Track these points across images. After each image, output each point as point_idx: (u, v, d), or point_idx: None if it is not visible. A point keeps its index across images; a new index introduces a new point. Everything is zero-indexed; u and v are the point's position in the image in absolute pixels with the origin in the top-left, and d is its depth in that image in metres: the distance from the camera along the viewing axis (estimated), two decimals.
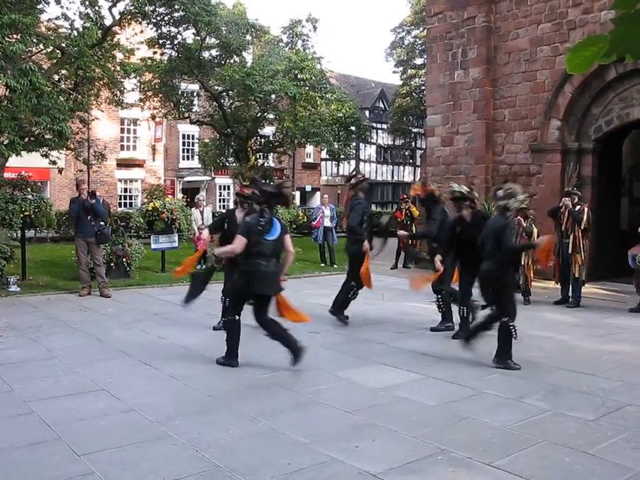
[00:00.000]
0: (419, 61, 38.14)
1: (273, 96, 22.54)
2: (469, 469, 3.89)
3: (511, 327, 6.22)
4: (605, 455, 4.10)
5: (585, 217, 9.90)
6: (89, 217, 10.57)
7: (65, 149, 14.91)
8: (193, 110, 25.50)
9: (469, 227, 7.19)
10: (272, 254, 6.08)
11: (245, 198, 7.40)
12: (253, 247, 5.96)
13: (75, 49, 13.34)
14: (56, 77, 14.79)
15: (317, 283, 13.15)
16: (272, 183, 6.92)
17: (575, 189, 10.58)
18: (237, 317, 6.20)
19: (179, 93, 23.74)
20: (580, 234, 9.98)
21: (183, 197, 25.86)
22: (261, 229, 5.97)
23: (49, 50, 14.39)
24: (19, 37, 11.77)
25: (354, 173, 9.95)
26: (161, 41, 21.87)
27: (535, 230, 10.36)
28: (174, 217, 13.61)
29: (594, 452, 4.14)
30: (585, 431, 4.57)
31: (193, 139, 33.63)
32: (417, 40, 38.08)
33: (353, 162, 42.99)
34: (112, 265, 12.14)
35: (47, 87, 11.57)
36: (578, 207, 10.03)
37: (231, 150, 25.36)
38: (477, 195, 7.61)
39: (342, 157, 26.89)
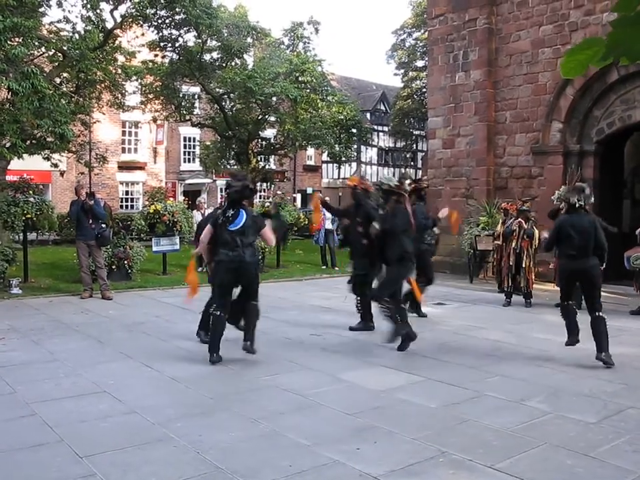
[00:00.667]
0: (420, 63, 38.13)
1: (274, 98, 22.57)
2: (470, 472, 3.89)
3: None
4: (607, 457, 4.10)
5: None
6: (89, 220, 10.58)
7: (66, 151, 14.95)
8: (194, 112, 25.53)
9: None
10: (238, 243, 6.25)
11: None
12: (219, 237, 6.33)
13: (77, 51, 13.38)
14: (58, 80, 14.84)
15: (318, 285, 13.16)
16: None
17: None
18: (219, 313, 6.36)
19: (180, 95, 23.77)
20: None
21: (184, 200, 25.79)
22: (224, 219, 6.29)
23: (50, 53, 14.45)
24: (20, 40, 11.81)
25: (416, 178, 9.90)
26: (162, 44, 21.89)
27: (537, 232, 10.37)
28: (175, 220, 13.62)
29: (595, 455, 4.14)
30: (586, 433, 4.56)
31: (194, 141, 33.66)
32: (418, 42, 38.07)
33: (354, 164, 42.97)
34: (113, 267, 12.15)
35: (48, 90, 11.60)
36: None
37: (232, 152, 25.39)
38: (407, 190, 7.41)
39: (343, 159, 26.93)
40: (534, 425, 4.69)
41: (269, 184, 29.30)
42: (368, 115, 44.13)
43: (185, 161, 34.59)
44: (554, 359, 6.81)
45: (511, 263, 10.20)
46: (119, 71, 16.72)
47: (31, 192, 11.90)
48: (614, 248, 9.74)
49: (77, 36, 14.28)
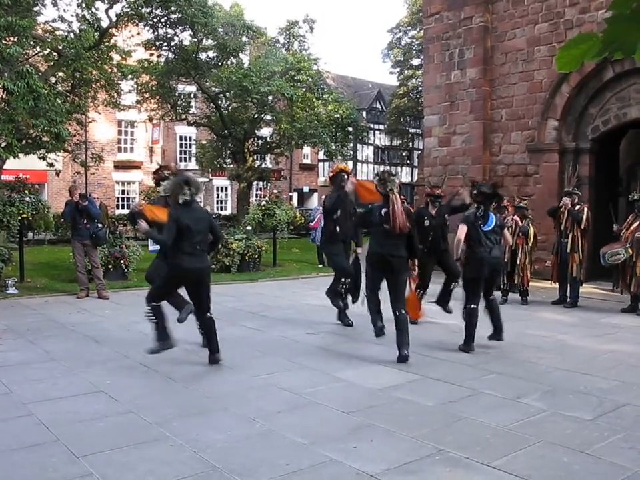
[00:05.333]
0: (415, 62, 38.16)
1: (270, 97, 22.56)
2: (466, 469, 3.90)
3: None
4: (603, 454, 4.11)
5: (584, 217, 9.91)
6: (83, 220, 10.56)
7: (62, 151, 14.92)
8: (190, 111, 25.50)
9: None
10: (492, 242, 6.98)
11: (435, 197, 8.54)
12: (473, 237, 6.98)
13: (72, 51, 13.34)
14: (53, 79, 14.79)
15: (314, 284, 13.15)
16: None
17: (575, 189, 10.60)
18: (474, 306, 6.84)
19: (176, 94, 23.76)
20: (579, 234, 9.99)
21: None
22: (478, 220, 6.97)
23: (45, 52, 14.40)
24: (15, 39, 11.78)
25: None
26: (157, 43, 21.88)
27: (532, 229, 10.39)
28: None
29: (591, 452, 4.15)
30: (582, 430, 4.58)
31: (190, 140, 33.63)
32: (414, 40, 38.10)
33: (350, 163, 42.96)
34: (110, 266, 12.14)
35: (44, 90, 11.57)
36: (578, 207, 10.04)
37: (228, 151, 25.38)
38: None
39: (339, 157, 26.89)
40: (530, 423, 4.71)
41: (265, 183, 29.28)
42: (364, 114, 44.11)
43: (181, 160, 34.51)
44: (550, 357, 6.82)
45: (506, 260, 10.21)
46: (115, 70, 16.68)
47: (26, 191, 11.87)
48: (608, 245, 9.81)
49: (72, 35, 14.24)
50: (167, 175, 7.24)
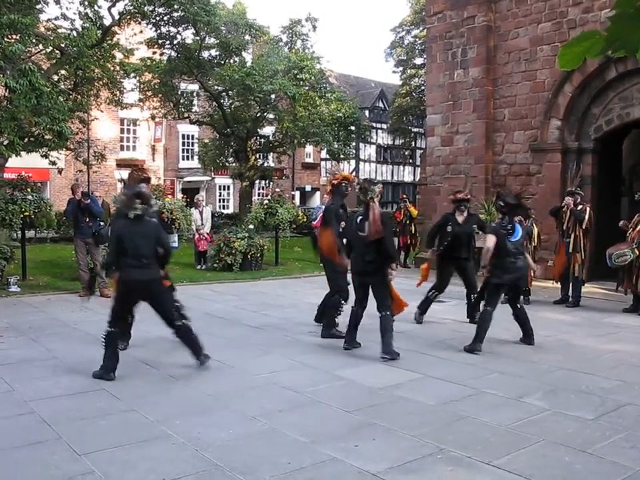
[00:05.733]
0: (418, 61, 38.12)
1: (273, 96, 22.55)
2: (468, 468, 3.90)
3: None
4: (604, 454, 4.11)
5: (586, 217, 9.89)
6: (85, 218, 10.57)
7: (64, 149, 14.94)
8: (193, 110, 25.51)
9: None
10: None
11: (460, 202, 8.49)
12: (502, 247, 7.08)
13: (75, 49, 13.35)
14: (55, 77, 14.81)
15: (316, 283, 13.14)
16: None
17: (578, 188, 10.58)
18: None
19: (179, 93, 23.75)
20: (581, 233, 9.97)
21: (182, 197, 25.86)
22: (505, 231, 7.12)
23: (48, 50, 14.40)
24: (18, 37, 11.79)
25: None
26: (160, 41, 21.89)
27: (536, 229, 10.37)
28: (174, 217, 13.59)
29: (593, 451, 4.15)
30: (584, 430, 4.57)
31: (192, 139, 33.65)
32: (417, 40, 38.07)
33: (352, 162, 42.96)
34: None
35: (46, 87, 11.58)
36: (580, 207, 10.03)
37: (231, 150, 25.38)
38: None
39: (342, 156, 26.88)
40: (532, 422, 4.70)
41: (267, 181, 29.29)
42: (367, 113, 44.13)
43: (183, 159, 34.58)
44: (552, 356, 6.82)
45: None
46: (117, 68, 16.69)
47: (29, 190, 11.87)
48: (612, 246, 9.79)
49: (74, 33, 14.24)
50: (142, 177, 7.19)
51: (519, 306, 7.37)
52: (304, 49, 25.92)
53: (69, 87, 15.24)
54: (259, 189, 33.79)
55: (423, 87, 33.53)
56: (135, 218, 5.85)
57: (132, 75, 19.73)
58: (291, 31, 26.42)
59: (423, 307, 8.72)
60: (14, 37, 11.82)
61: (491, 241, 7.09)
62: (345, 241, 7.30)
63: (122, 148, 31.47)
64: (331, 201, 7.85)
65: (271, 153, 27.79)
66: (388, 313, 6.61)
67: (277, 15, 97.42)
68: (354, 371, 6.12)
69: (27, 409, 4.95)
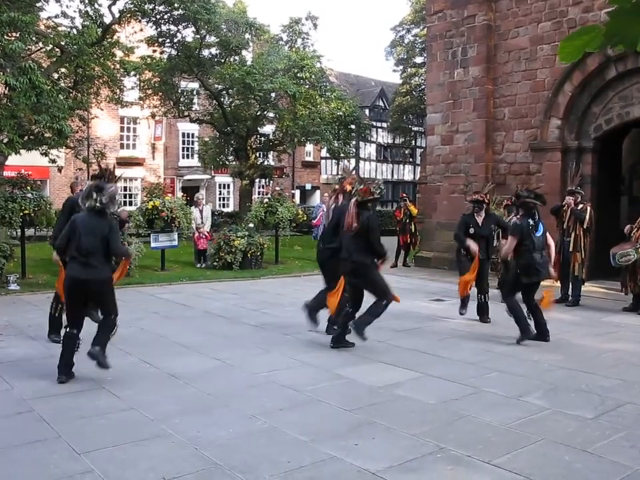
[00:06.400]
0: (419, 60, 38.10)
1: (273, 94, 22.55)
2: (468, 467, 3.89)
3: None
4: (604, 453, 4.10)
5: (587, 216, 9.88)
6: None
7: (64, 147, 14.95)
8: (193, 108, 25.50)
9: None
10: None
11: (476, 203, 8.58)
12: (526, 242, 7.36)
13: (75, 47, 13.35)
14: (55, 75, 14.82)
15: (316, 282, 13.12)
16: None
17: (579, 188, 10.57)
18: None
19: (179, 91, 23.75)
20: (581, 233, 9.97)
21: (182, 196, 25.90)
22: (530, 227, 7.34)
23: (48, 48, 14.41)
24: (18, 35, 11.78)
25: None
26: (160, 39, 21.88)
27: None
28: (173, 216, 13.62)
29: (593, 450, 4.15)
30: (583, 429, 4.57)
31: (192, 137, 33.63)
32: (417, 38, 38.04)
33: (352, 160, 42.94)
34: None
35: (46, 86, 11.58)
36: (581, 206, 10.02)
37: (231, 148, 25.38)
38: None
39: (342, 155, 26.89)
40: (532, 421, 4.70)
41: (267, 180, 29.29)
42: (367, 111, 44.10)
43: (183, 157, 34.56)
44: (551, 355, 6.82)
45: (509, 259, 10.17)
46: (117, 66, 16.70)
47: (28, 188, 11.87)
48: (611, 245, 9.79)
49: (74, 31, 14.25)
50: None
51: (534, 303, 7.49)
52: (304, 47, 25.90)
53: (69, 85, 15.25)
54: (259, 188, 33.79)
55: (423, 86, 33.51)
56: (88, 210, 5.66)
57: (132, 73, 19.74)
58: (291, 30, 26.42)
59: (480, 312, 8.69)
60: (14, 34, 11.82)
61: (513, 242, 7.31)
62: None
63: (122, 146, 31.47)
64: (344, 201, 7.95)
65: (271, 152, 27.79)
66: (382, 302, 6.79)
67: (277, 13, 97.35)
68: (354, 370, 6.12)
69: (26, 407, 4.95)
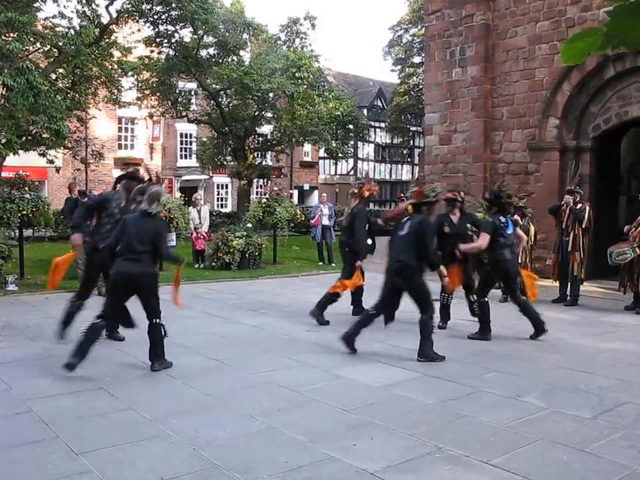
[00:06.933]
0: (417, 59, 38.15)
1: (271, 94, 22.55)
2: (466, 467, 3.89)
3: None
4: (602, 453, 4.10)
5: (586, 216, 9.89)
6: None
7: (62, 147, 14.94)
8: (191, 109, 25.49)
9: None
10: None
11: (449, 201, 8.56)
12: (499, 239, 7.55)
13: (72, 47, 13.33)
14: (53, 76, 14.80)
15: (314, 282, 13.15)
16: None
17: (578, 187, 10.57)
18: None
19: (177, 91, 23.74)
20: (580, 232, 9.97)
21: (180, 196, 25.85)
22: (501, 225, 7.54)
23: (45, 48, 14.39)
24: (15, 35, 11.77)
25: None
26: (158, 40, 21.86)
27: (532, 228, 10.37)
28: (172, 216, 13.59)
29: (591, 450, 4.15)
30: (582, 429, 4.57)
31: (190, 137, 33.61)
32: (415, 38, 38.09)
33: (351, 160, 42.96)
34: None
35: (44, 86, 11.57)
36: (579, 205, 10.02)
37: (229, 149, 25.36)
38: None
39: (340, 155, 26.92)
40: (530, 421, 4.70)
41: (265, 180, 29.28)
42: (365, 111, 44.12)
43: (181, 157, 34.54)
44: (550, 355, 6.82)
45: None
46: (115, 66, 16.68)
47: (26, 188, 11.85)
48: (610, 244, 9.80)
49: (72, 31, 14.23)
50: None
51: (523, 298, 7.58)
52: (302, 47, 25.88)
53: (67, 85, 15.23)
54: (257, 188, 33.79)
55: (421, 86, 33.53)
56: (141, 213, 6.03)
57: (130, 73, 19.71)
58: (289, 30, 26.39)
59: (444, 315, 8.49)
60: (11, 35, 11.80)
61: (485, 239, 7.41)
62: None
63: (120, 147, 31.45)
64: (359, 205, 8.61)
65: (269, 152, 27.78)
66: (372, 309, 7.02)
67: (275, 13, 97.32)
68: (352, 370, 6.12)
69: (25, 407, 4.94)
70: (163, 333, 6.03)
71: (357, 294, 8.73)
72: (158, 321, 6.01)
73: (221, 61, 23.04)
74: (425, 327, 6.49)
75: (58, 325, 7.14)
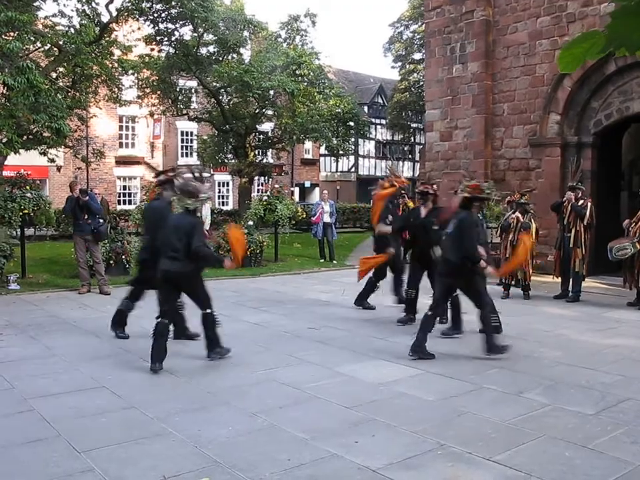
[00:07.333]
0: (417, 56, 38.05)
1: (271, 92, 22.48)
2: (468, 464, 3.89)
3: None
4: (605, 449, 4.10)
5: (587, 212, 9.87)
6: (84, 215, 10.55)
7: (63, 146, 14.92)
8: (191, 107, 25.43)
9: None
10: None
11: (420, 194, 8.33)
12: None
13: (72, 46, 13.32)
14: (53, 75, 14.78)
15: (316, 279, 13.16)
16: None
17: (579, 183, 10.55)
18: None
19: (177, 89, 23.69)
20: (582, 228, 9.95)
21: None
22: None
23: (46, 47, 14.37)
24: (15, 34, 11.76)
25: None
26: (158, 38, 21.82)
27: (534, 225, 10.36)
28: None
29: (593, 446, 4.14)
30: (584, 425, 4.57)
31: (191, 135, 33.58)
32: (416, 35, 37.98)
33: (351, 157, 42.90)
34: (111, 262, 12.12)
35: (44, 85, 11.56)
36: (581, 202, 10.01)
37: (230, 146, 25.31)
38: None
39: (341, 152, 26.84)
40: (532, 417, 4.70)
41: (266, 178, 29.24)
42: (365, 108, 44.03)
43: (182, 155, 34.48)
44: (552, 351, 6.81)
45: (507, 255, 10.18)
46: (115, 65, 16.65)
47: (28, 187, 11.84)
48: (611, 240, 9.78)
49: (72, 30, 14.21)
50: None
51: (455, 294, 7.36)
52: (303, 44, 25.81)
53: (67, 84, 15.21)
54: (258, 185, 33.75)
55: (421, 82, 33.47)
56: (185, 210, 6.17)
57: (130, 71, 19.63)
58: (289, 27, 26.32)
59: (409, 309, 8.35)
60: (11, 34, 11.79)
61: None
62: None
63: (121, 145, 31.42)
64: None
65: (270, 149, 27.73)
66: None
67: (275, 10, 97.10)
68: (354, 367, 6.12)
69: (27, 406, 4.95)
70: (214, 321, 6.19)
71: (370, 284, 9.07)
72: (209, 310, 6.20)
73: (221, 58, 23.00)
74: (484, 323, 6.58)
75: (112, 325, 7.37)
